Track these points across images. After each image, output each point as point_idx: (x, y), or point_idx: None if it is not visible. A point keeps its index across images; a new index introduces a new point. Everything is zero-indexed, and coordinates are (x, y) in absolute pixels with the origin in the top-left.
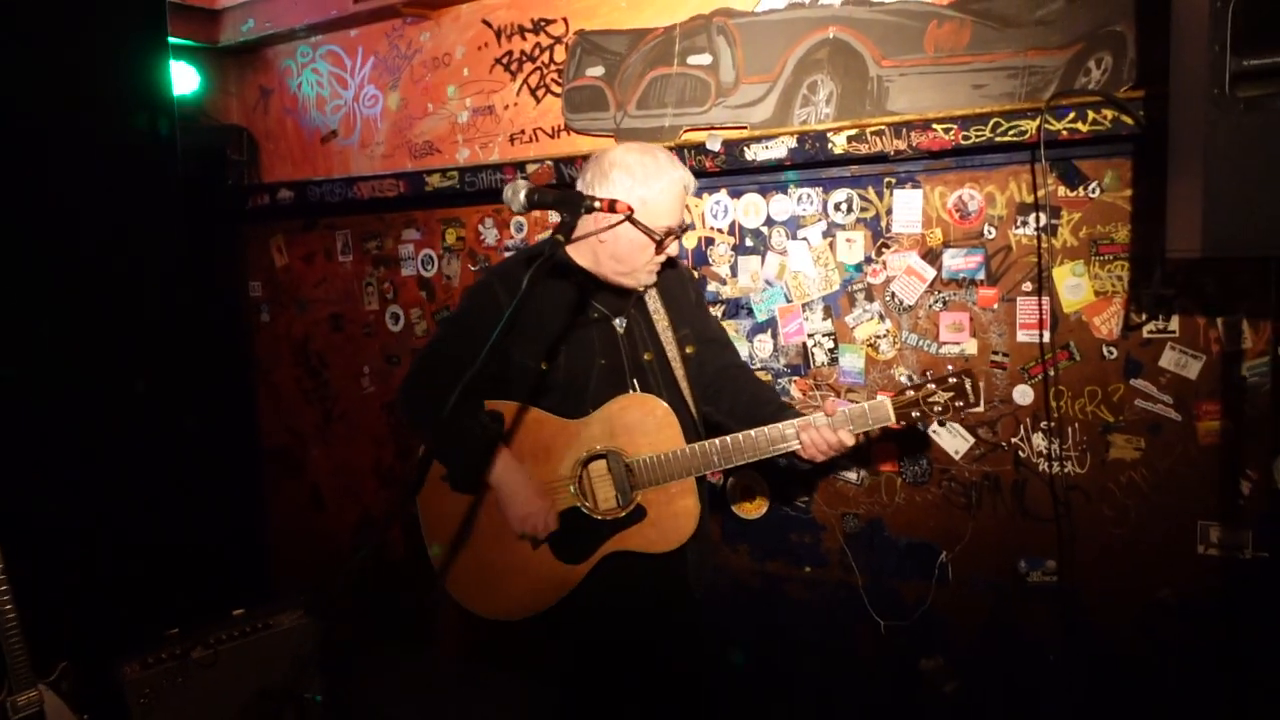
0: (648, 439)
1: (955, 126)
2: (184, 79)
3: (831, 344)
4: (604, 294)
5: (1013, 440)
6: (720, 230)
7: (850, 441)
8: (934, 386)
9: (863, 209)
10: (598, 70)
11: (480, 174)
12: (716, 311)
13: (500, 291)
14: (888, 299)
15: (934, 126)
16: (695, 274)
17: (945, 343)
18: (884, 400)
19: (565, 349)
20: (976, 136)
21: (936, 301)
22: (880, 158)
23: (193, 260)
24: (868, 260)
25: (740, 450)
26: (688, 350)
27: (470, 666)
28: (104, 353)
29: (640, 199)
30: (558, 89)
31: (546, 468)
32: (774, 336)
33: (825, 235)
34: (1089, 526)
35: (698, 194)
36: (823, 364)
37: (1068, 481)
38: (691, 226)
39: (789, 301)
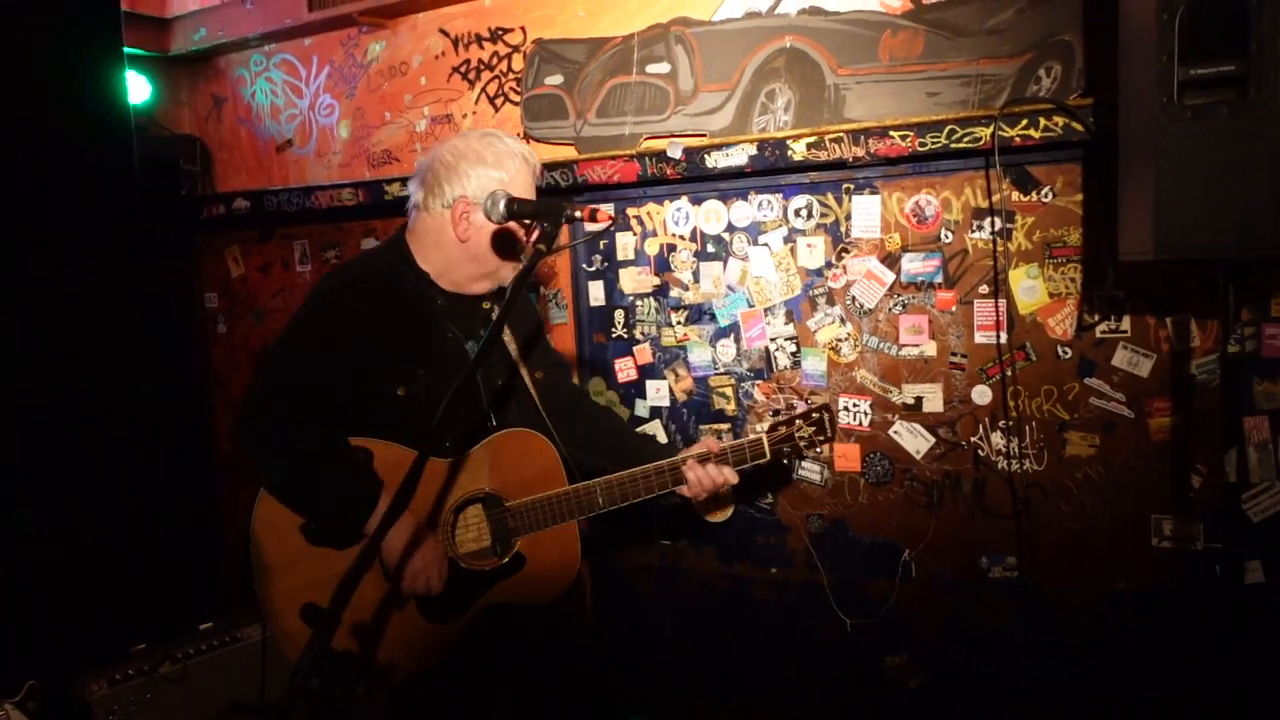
0: (527, 481)
1: (912, 134)
2: (135, 88)
3: (794, 348)
4: (454, 312)
5: (972, 439)
6: (682, 237)
7: (734, 479)
8: (801, 422)
9: (822, 215)
10: (556, 79)
11: None
12: (680, 317)
13: (356, 300)
14: (848, 303)
15: (891, 134)
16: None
17: (905, 345)
18: (761, 437)
19: (424, 374)
20: (933, 143)
21: (896, 305)
22: (839, 164)
23: (147, 271)
24: (828, 265)
25: (626, 491)
26: (537, 375)
27: None
28: (56, 364)
29: (499, 181)
30: (516, 97)
31: (416, 513)
32: (736, 341)
33: (786, 241)
34: (1047, 522)
35: (659, 201)
36: (785, 368)
37: (1026, 479)
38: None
39: (751, 306)
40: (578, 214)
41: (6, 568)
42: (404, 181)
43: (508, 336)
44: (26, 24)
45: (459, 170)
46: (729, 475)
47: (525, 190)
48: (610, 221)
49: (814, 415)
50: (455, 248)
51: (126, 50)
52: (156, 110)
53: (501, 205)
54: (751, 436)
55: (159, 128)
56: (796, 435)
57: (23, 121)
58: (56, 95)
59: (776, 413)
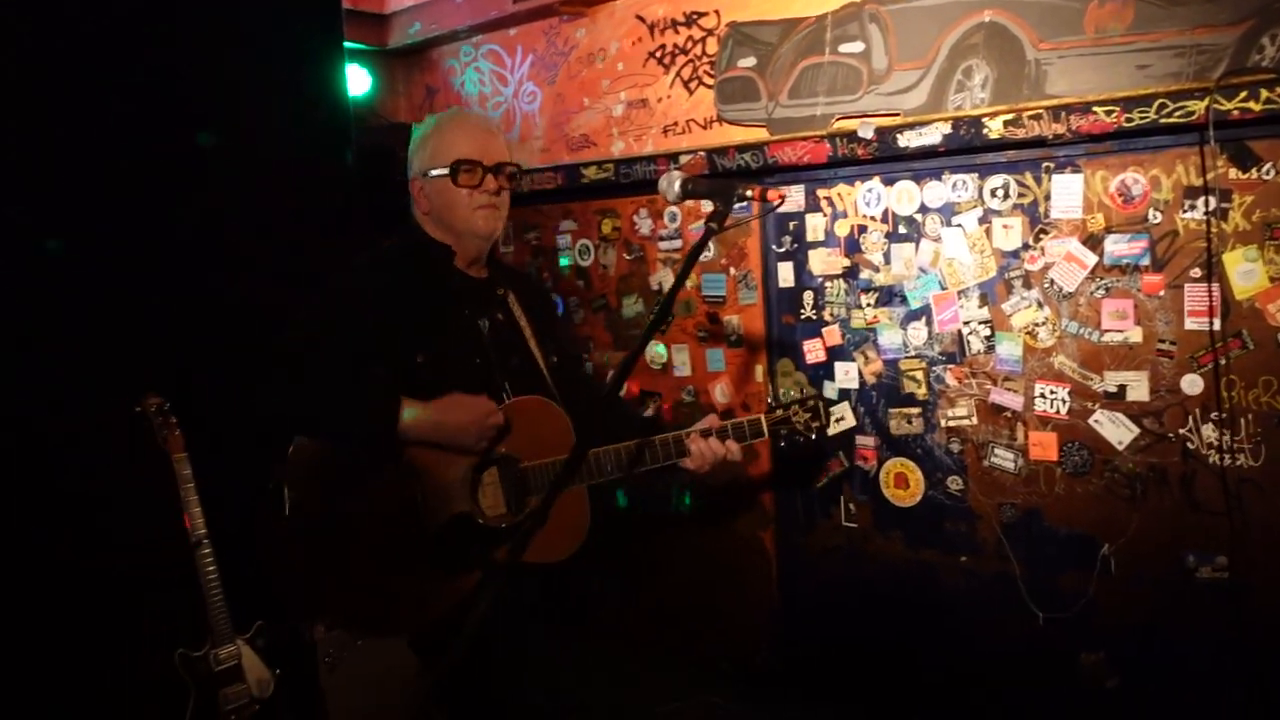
0: (543, 444)
1: (1117, 109)
2: (357, 81)
3: (988, 332)
4: (469, 290)
5: (1180, 431)
6: (873, 218)
7: (738, 454)
8: (798, 407)
9: (1020, 194)
10: (749, 61)
11: (634, 166)
12: (870, 299)
13: (370, 284)
14: (1046, 286)
15: (1095, 109)
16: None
17: (1108, 330)
18: (760, 417)
19: (439, 344)
20: (1140, 118)
21: (1098, 288)
22: (1038, 142)
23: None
24: (1025, 246)
25: (635, 458)
26: (553, 359)
27: None
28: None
29: (431, 152)
30: (710, 81)
31: (437, 472)
32: (928, 324)
33: (981, 221)
34: (1263, 521)
35: (849, 181)
36: (979, 352)
37: (1240, 474)
38: (515, 168)
39: (943, 289)
40: (749, 193)
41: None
42: (600, 165)
43: (523, 320)
44: (256, 22)
45: (409, 158)
46: (732, 449)
47: (459, 147)
48: (781, 200)
49: (810, 403)
50: (429, 223)
51: (349, 45)
52: (376, 100)
53: (677, 185)
54: (752, 416)
55: (377, 117)
56: (793, 419)
57: (251, 114)
58: (282, 88)
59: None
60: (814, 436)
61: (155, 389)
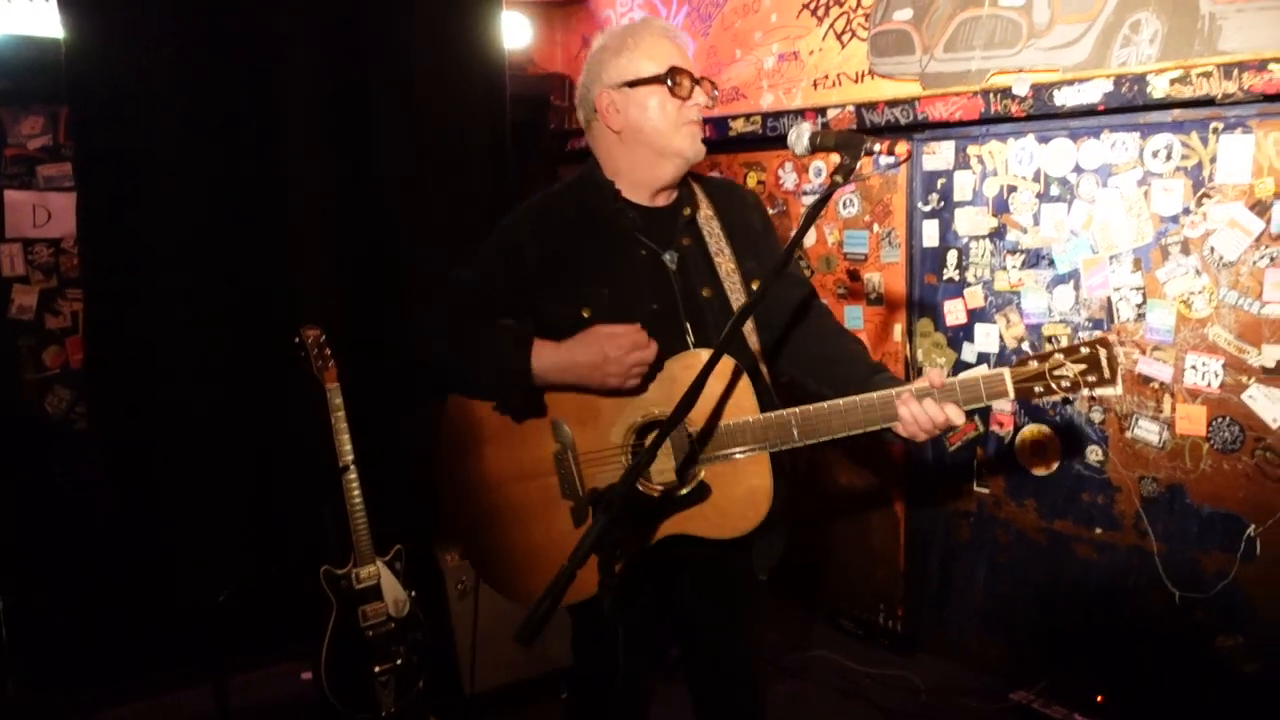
0: (715, 404)
1: None
2: (516, 31)
3: (1139, 299)
4: (649, 222)
5: None
6: (1024, 177)
7: (959, 420)
8: (1061, 357)
9: (1184, 156)
10: (906, 13)
11: (782, 119)
12: (1015, 261)
13: (533, 222)
14: (1206, 253)
15: (1270, 67)
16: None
17: (1270, 302)
18: (1002, 371)
19: (610, 292)
20: None
21: (1263, 258)
22: (1206, 101)
23: (516, 200)
24: (1185, 211)
25: (827, 423)
26: (754, 287)
27: None
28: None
29: (625, 65)
30: (864, 33)
31: (594, 434)
32: (1076, 289)
33: (1140, 184)
34: None
35: (1002, 139)
36: (1128, 320)
37: None
38: (714, 87)
39: (1095, 253)
40: (877, 147)
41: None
42: (748, 118)
43: (722, 241)
44: None
45: (591, 74)
46: (953, 414)
47: (661, 55)
48: (909, 155)
49: (1083, 350)
50: (616, 144)
51: None
52: (534, 50)
53: (806, 138)
54: (990, 372)
55: (535, 66)
56: (1054, 373)
57: (410, 62)
58: (440, 37)
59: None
60: (1091, 393)
61: (315, 322)
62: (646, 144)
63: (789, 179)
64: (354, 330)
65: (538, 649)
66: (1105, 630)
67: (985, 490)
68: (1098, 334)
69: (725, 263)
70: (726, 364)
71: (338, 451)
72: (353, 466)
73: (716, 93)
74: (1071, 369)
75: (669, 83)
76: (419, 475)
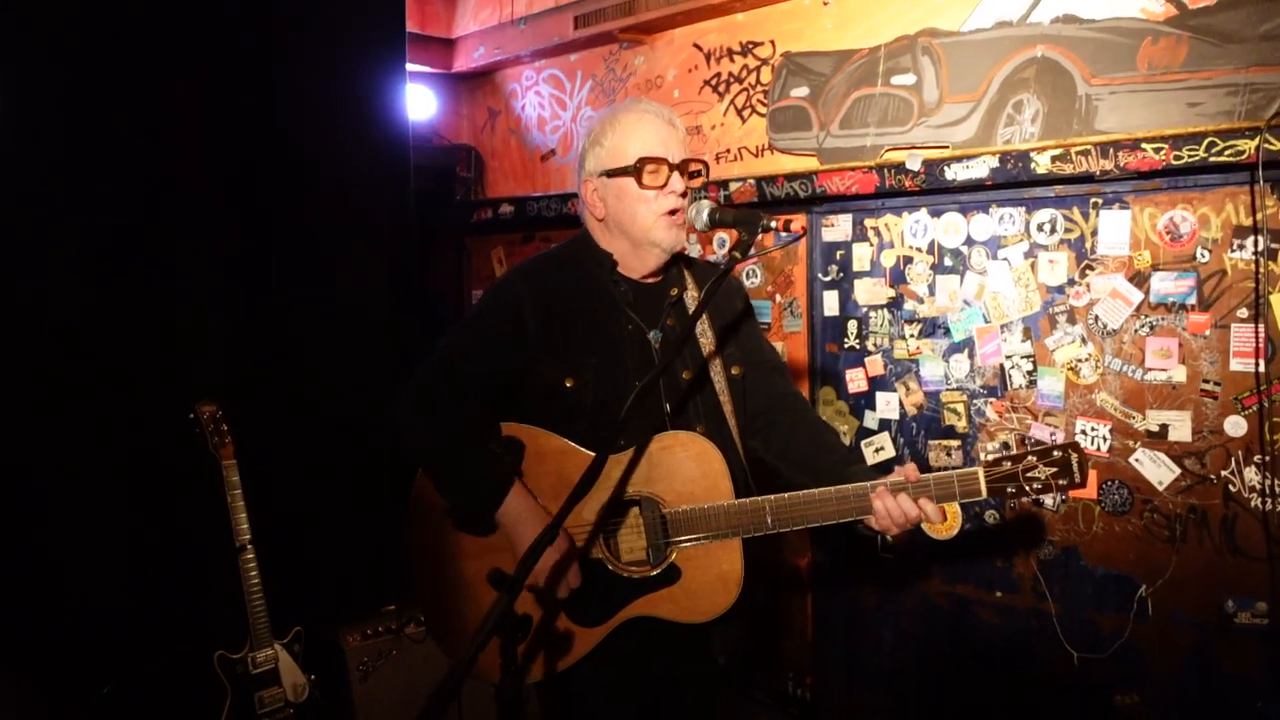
0: (690, 486)
1: (1166, 146)
2: (422, 103)
3: (1030, 366)
4: (638, 298)
5: (1223, 473)
6: (919, 249)
7: (934, 516)
8: (1034, 459)
9: (1067, 230)
10: (802, 91)
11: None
12: (913, 330)
13: (526, 289)
14: (1091, 322)
15: (1143, 146)
16: (744, 285)
17: (1151, 369)
18: (976, 471)
19: (595, 364)
20: (1189, 156)
21: (1143, 326)
22: (1086, 178)
23: (420, 271)
24: (1070, 282)
25: (801, 512)
26: (733, 371)
27: None
28: (331, 358)
29: (607, 151)
30: (763, 109)
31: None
32: (970, 357)
33: (1027, 256)
34: None
35: (897, 212)
36: (1020, 386)
37: None
38: (702, 166)
39: (987, 322)
40: (773, 223)
41: (287, 530)
42: None
43: (703, 327)
44: (319, 44)
45: (580, 152)
46: (928, 510)
47: (640, 144)
48: (803, 232)
49: (1055, 454)
50: (602, 229)
51: (416, 68)
52: (440, 122)
53: (705, 214)
54: (963, 470)
55: (440, 138)
56: (1026, 475)
57: (313, 132)
58: (344, 103)
59: (1024, 440)
60: (1060, 498)
61: (210, 397)
62: (626, 233)
63: (693, 250)
64: (250, 406)
65: None
66: (1009, 692)
67: (889, 555)
68: (1063, 436)
69: (707, 345)
70: (705, 446)
71: (234, 531)
72: (250, 546)
73: (705, 173)
74: (1044, 471)
75: (639, 173)
76: (320, 552)
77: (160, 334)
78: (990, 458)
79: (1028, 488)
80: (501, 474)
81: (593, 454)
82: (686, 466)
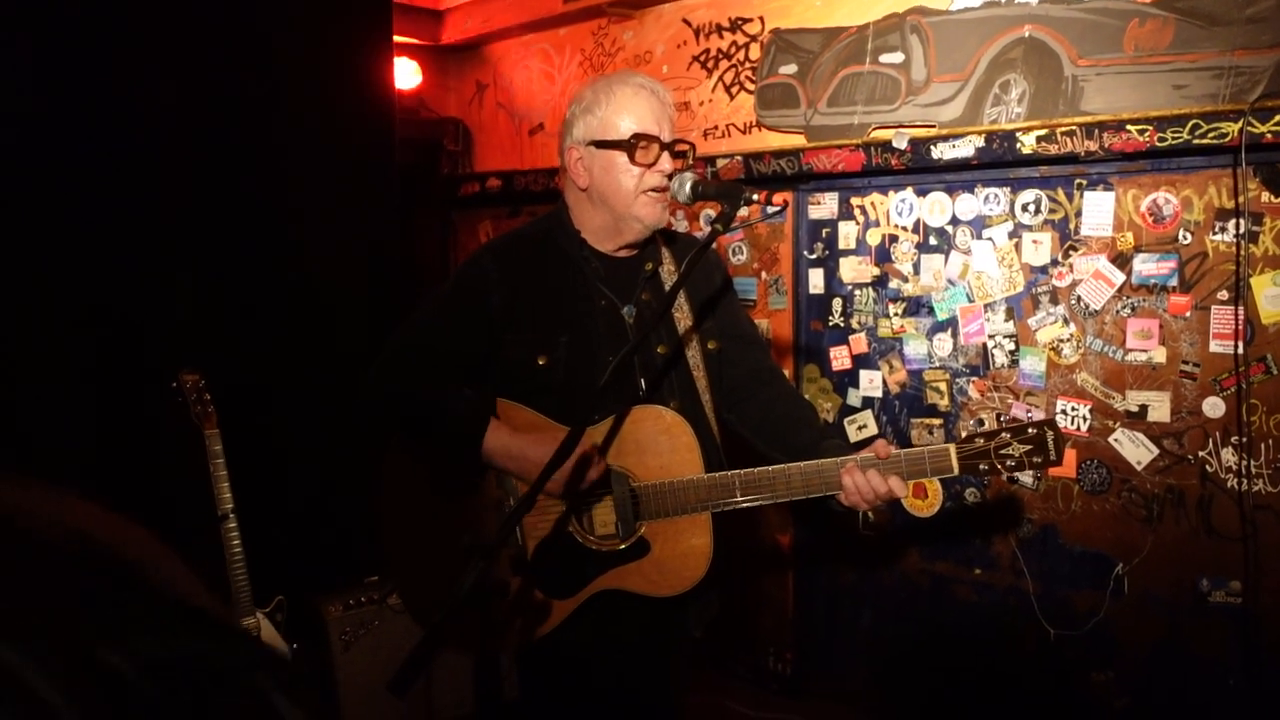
0: (660, 461)
1: (1150, 128)
2: (407, 75)
3: (1012, 346)
4: (611, 273)
5: (1200, 454)
6: (904, 228)
7: (902, 492)
8: (1008, 436)
9: (1051, 210)
10: (790, 68)
11: None
12: (897, 308)
13: (494, 267)
14: (1073, 302)
15: (1128, 128)
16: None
17: (1132, 350)
18: (948, 448)
19: (566, 341)
20: (1173, 139)
21: (1124, 307)
22: (1070, 159)
23: (406, 243)
24: (1054, 262)
25: (770, 486)
26: (710, 346)
27: None
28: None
29: (599, 121)
30: (751, 86)
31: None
32: (954, 336)
33: (1011, 236)
34: (1278, 549)
35: (883, 191)
36: (1002, 366)
37: (1257, 500)
38: (689, 147)
39: (970, 301)
40: (755, 197)
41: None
42: None
43: (680, 301)
44: (304, 14)
45: (567, 119)
46: (896, 486)
47: (634, 119)
48: (785, 205)
49: (1031, 431)
50: (582, 199)
51: (403, 40)
52: (426, 94)
53: (688, 187)
54: (935, 446)
55: (428, 110)
56: (999, 452)
57: (297, 104)
58: (328, 74)
59: (999, 418)
60: (1035, 475)
61: (193, 366)
62: (608, 206)
63: (681, 225)
64: (233, 375)
65: (428, 703)
66: (986, 668)
67: (870, 533)
68: (1044, 416)
69: (684, 320)
70: (676, 421)
71: (216, 500)
72: (232, 515)
73: (691, 155)
74: (1019, 448)
75: (632, 149)
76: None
77: (142, 302)
78: (965, 434)
79: (1001, 465)
80: (480, 405)
81: (566, 429)
82: (657, 441)
